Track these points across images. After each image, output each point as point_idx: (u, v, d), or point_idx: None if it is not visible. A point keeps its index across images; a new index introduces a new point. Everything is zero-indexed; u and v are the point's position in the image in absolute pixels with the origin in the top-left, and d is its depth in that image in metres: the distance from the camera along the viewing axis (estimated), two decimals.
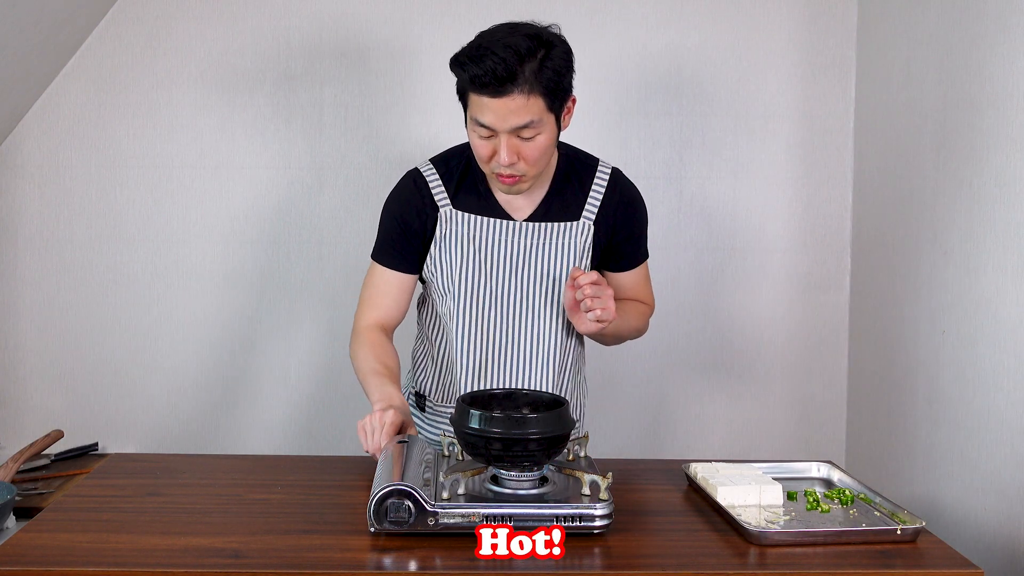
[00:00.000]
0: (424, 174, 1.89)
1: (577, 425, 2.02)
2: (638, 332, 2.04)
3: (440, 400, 1.97)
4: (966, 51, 2.03)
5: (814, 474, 1.79)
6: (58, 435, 2.36)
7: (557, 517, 1.45)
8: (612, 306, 1.76)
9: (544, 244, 1.88)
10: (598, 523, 1.46)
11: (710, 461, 1.77)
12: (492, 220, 1.87)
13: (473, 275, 1.87)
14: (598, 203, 1.89)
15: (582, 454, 1.68)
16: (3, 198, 2.61)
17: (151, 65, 2.60)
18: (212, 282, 2.65)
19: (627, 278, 1.99)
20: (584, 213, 1.89)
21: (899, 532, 1.48)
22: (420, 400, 2.01)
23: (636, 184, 1.97)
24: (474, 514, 1.44)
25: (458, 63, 1.73)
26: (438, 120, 2.63)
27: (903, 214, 2.32)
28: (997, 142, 1.91)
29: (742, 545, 1.46)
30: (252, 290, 2.66)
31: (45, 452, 2.50)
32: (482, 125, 1.72)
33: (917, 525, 1.49)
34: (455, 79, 1.76)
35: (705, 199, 2.67)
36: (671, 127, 2.66)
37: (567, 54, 1.75)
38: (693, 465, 1.73)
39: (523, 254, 1.88)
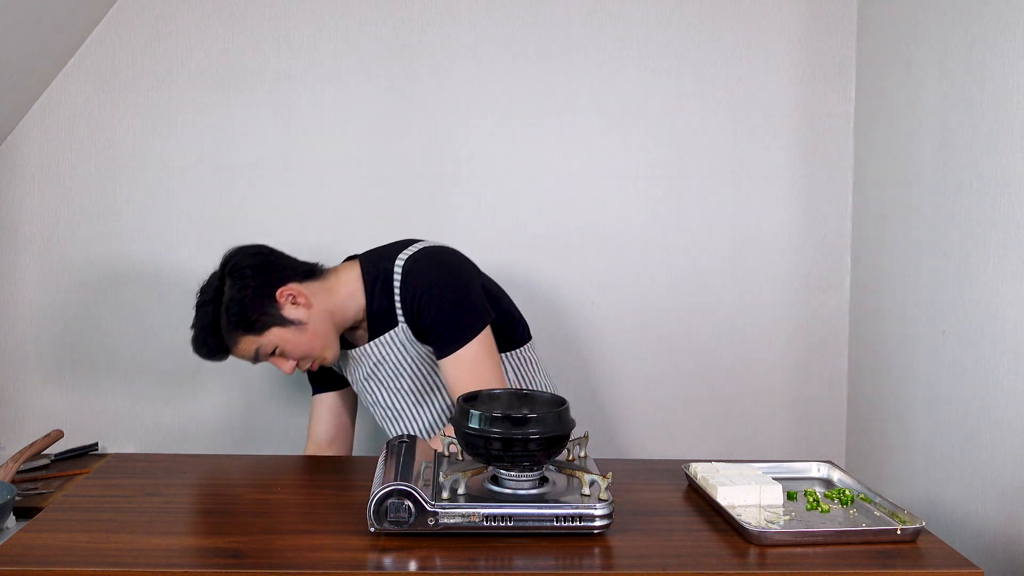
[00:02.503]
0: None
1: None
2: None
3: None
4: (966, 51, 2.03)
5: (814, 474, 1.79)
6: (58, 435, 2.36)
7: (557, 517, 1.46)
8: None
9: (381, 358, 2.08)
10: (598, 523, 1.46)
11: (710, 461, 1.78)
12: (344, 351, 2.14)
13: (358, 391, 2.21)
14: (399, 303, 2.01)
15: (582, 454, 1.68)
16: (3, 198, 2.61)
17: (151, 65, 2.60)
18: None
19: (443, 368, 1.98)
20: (398, 317, 2.02)
21: (899, 532, 1.48)
22: None
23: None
24: (474, 514, 1.45)
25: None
26: (439, 120, 2.63)
27: (903, 214, 2.32)
28: (997, 142, 1.91)
29: (742, 545, 1.46)
30: None
31: (45, 452, 2.49)
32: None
33: (917, 525, 1.49)
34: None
35: (705, 199, 2.67)
36: (671, 127, 2.66)
37: (242, 288, 1.95)
38: (693, 465, 1.74)
39: (373, 371, 2.11)
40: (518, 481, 1.53)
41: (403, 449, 1.63)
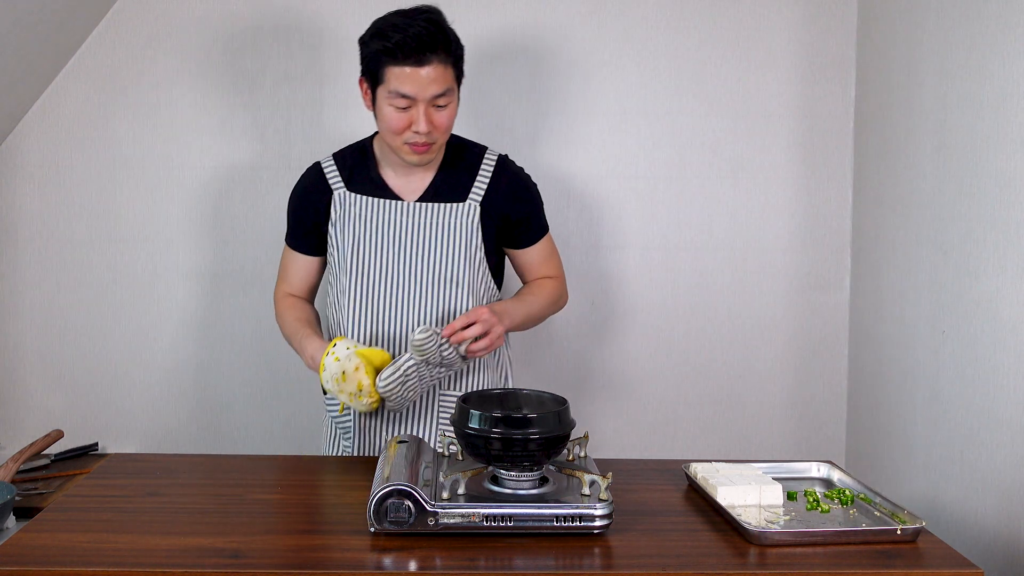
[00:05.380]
0: (322, 164, 2.10)
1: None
2: (552, 309, 2.17)
3: None
4: (966, 51, 2.03)
5: (814, 474, 1.79)
6: (58, 435, 2.36)
7: (557, 517, 1.46)
8: (493, 338, 1.91)
9: (432, 223, 2.03)
10: (598, 523, 1.46)
11: (710, 461, 1.78)
12: (384, 201, 2.03)
13: (365, 253, 2.03)
14: (485, 186, 2.04)
15: (582, 454, 1.68)
16: (3, 198, 2.61)
17: (151, 65, 2.60)
18: (212, 282, 2.65)
19: (531, 255, 2.13)
20: (471, 195, 2.03)
21: (899, 532, 1.48)
22: None
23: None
24: (474, 514, 1.45)
25: (380, 35, 1.88)
26: None
27: (903, 214, 2.32)
28: (997, 142, 1.91)
29: (742, 545, 1.46)
30: (252, 290, 2.66)
31: (45, 452, 2.50)
32: (403, 96, 1.87)
33: (917, 525, 1.49)
34: (362, 58, 1.92)
35: (705, 199, 2.67)
36: (671, 127, 2.66)
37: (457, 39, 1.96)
38: (693, 465, 1.74)
39: (412, 233, 2.03)
40: (518, 481, 1.53)
41: (403, 449, 1.63)
